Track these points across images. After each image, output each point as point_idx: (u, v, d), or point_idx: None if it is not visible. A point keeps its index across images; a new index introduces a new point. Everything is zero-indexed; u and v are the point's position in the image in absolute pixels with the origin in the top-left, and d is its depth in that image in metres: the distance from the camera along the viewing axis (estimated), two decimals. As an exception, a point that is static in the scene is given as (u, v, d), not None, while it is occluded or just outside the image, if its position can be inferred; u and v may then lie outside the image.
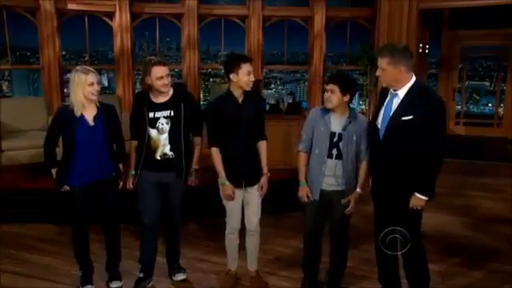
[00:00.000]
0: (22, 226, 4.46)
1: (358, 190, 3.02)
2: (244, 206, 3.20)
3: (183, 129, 3.13)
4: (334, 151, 2.97)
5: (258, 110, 3.17)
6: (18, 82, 9.91)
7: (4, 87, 10.16)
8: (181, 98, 3.17)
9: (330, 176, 2.99)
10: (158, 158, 3.14)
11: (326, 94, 2.95)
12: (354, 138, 2.97)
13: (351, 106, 3.04)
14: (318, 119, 3.02)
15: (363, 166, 3.04)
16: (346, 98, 2.93)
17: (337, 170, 2.98)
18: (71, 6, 6.61)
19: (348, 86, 2.93)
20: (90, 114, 3.07)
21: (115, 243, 3.36)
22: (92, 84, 3.00)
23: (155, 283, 3.37)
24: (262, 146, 3.19)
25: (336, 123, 2.97)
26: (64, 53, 7.48)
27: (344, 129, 2.96)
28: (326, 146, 2.97)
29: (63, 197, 3.16)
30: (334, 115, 2.99)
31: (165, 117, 3.10)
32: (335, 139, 2.96)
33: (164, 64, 3.07)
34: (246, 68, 2.99)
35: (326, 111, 3.01)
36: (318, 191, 3.02)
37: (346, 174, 2.99)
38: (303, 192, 3.08)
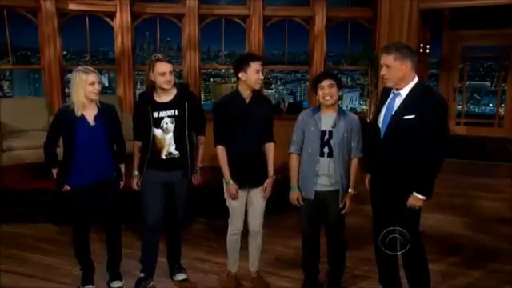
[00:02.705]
0: (23, 225, 4.46)
1: (351, 190, 3.03)
2: (247, 206, 3.20)
3: (187, 128, 3.15)
4: (326, 149, 2.98)
5: (266, 111, 3.15)
6: (18, 82, 9.91)
7: (5, 87, 10.17)
8: (185, 97, 3.17)
9: (324, 175, 2.99)
10: (164, 157, 3.14)
11: (325, 90, 2.93)
12: (345, 134, 2.98)
13: (352, 106, 3.06)
14: (308, 119, 3.04)
15: (354, 164, 3.04)
16: (339, 94, 3.04)
17: (330, 169, 2.98)
18: (72, 6, 6.60)
19: (340, 82, 3.05)
20: (90, 114, 3.08)
21: (116, 243, 3.37)
22: (93, 83, 3.01)
23: (156, 283, 3.37)
24: (269, 148, 3.18)
25: (326, 121, 2.99)
26: (65, 53, 7.46)
27: (334, 126, 2.97)
28: (318, 144, 2.98)
29: (64, 197, 3.16)
30: (324, 114, 3.00)
31: (169, 116, 3.11)
32: (326, 137, 2.97)
33: (168, 61, 3.08)
34: (255, 66, 2.99)
35: (316, 111, 3.03)
36: (313, 191, 3.02)
37: (339, 171, 2.99)
38: (294, 197, 3.10)
